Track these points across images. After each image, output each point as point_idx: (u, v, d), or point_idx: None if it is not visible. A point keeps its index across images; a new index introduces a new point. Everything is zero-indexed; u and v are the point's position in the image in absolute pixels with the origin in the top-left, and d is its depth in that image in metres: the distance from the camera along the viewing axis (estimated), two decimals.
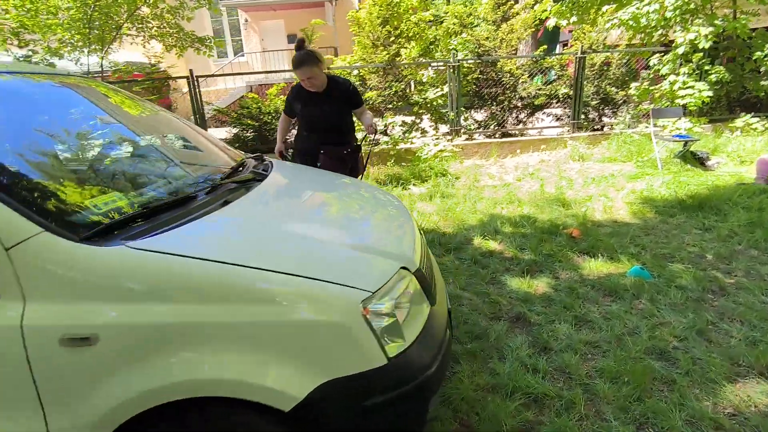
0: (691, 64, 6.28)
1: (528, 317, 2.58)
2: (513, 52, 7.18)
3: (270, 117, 6.80)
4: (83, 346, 1.11)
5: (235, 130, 7.10)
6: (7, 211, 1.09)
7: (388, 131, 6.90)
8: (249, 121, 6.90)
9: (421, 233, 1.94)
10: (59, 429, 1.14)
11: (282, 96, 7.14)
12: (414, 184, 5.59)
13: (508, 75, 6.87)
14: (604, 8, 7.08)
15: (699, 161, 5.52)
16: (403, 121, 6.96)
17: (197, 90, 6.84)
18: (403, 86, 6.88)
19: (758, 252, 3.23)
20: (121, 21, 8.02)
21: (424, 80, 6.76)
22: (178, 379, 1.13)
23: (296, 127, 3.23)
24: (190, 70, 6.85)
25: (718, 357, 2.15)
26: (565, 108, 7.22)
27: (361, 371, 1.22)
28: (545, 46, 7.41)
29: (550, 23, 7.49)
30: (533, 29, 8.44)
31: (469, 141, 6.92)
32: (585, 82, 6.90)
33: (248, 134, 7.02)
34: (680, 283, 2.85)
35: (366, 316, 1.25)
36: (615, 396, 1.95)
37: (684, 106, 6.17)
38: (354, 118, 3.13)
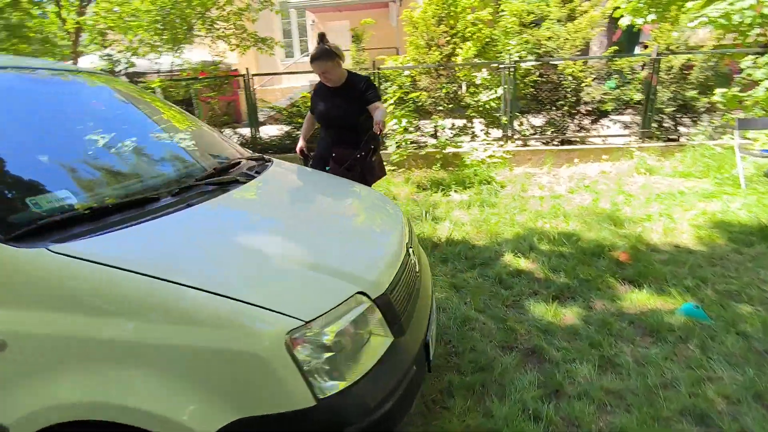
0: None
1: (545, 351, 2.26)
2: (578, 53, 6.60)
3: None
4: None
5: (287, 128, 7.24)
6: None
7: (437, 134, 6.67)
8: (299, 120, 6.99)
9: (409, 251, 1.74)
10: None
11: None
12: (455, 191, 5.31)
13: (571, 78, 6.33)
14: (688, 4, 6.27)
15: None
16: (453, 124, 6.68)
17: (251, 88, 7.05)
18: (455, 88, 6.60)
19: None
20: (192, 23, 8.52)
21: (478, 82, 6.42)
22: (77, 399, 1.04)
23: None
24: (246, 69, 7.07)
25: None
26: (635, 115, 6.53)
27: (281, 412, 1.06)
28: (615, 47, 6.74)
29: (624, 21, 6.79)
30: (602, 27, 7.75)
31: (522, 147, 6.48)
32: (660, 87, 6.17)
33: (299, 132, 7.11)
34: (744, 329, 2.37)
35: (292, 348, 1.09)
36: None
37: None
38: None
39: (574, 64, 6.39)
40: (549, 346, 2.30)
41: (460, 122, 6.73)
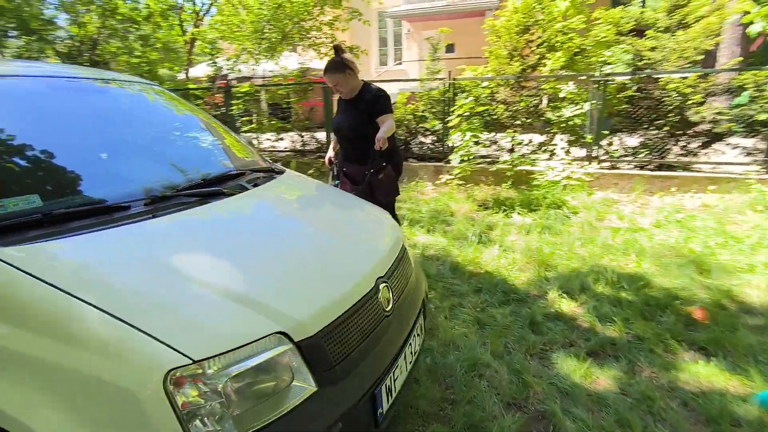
0: None
1: (556, 420, 1.91)
2: (688, 65, 5.69)
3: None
4: None
5: None
6: None
7: (514, 149, 6.24)
8: None
9: (379, 287, 1.55)
10: None
11: (411, 105, 7.12)
12: (519, 213, 4.88)
13: (675, 93, 5.49)
14: None
15: None
16: (530, 140, 6.19)
17: (331, 94, 7.26)
18: (535, 102, 6.12)
19: None
20: (287, 31, 9.09)
21: (562, 95, 5.87)
22: None
23: None
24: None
25: None
26: (759, 139, 5.45)
27: None
28: (740, 58, 5.70)
29: (755, 28, 5.72)
30: (734, 36, 6.62)
31: (608, 170, 5.77)
32: None
33: None
34: None
35: (172, 390, 0.99)
36: None
37: None
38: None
39: (683, 79, 5.53)
40: (564, 414, 1.93)
41: (539, 138, 6.22)
